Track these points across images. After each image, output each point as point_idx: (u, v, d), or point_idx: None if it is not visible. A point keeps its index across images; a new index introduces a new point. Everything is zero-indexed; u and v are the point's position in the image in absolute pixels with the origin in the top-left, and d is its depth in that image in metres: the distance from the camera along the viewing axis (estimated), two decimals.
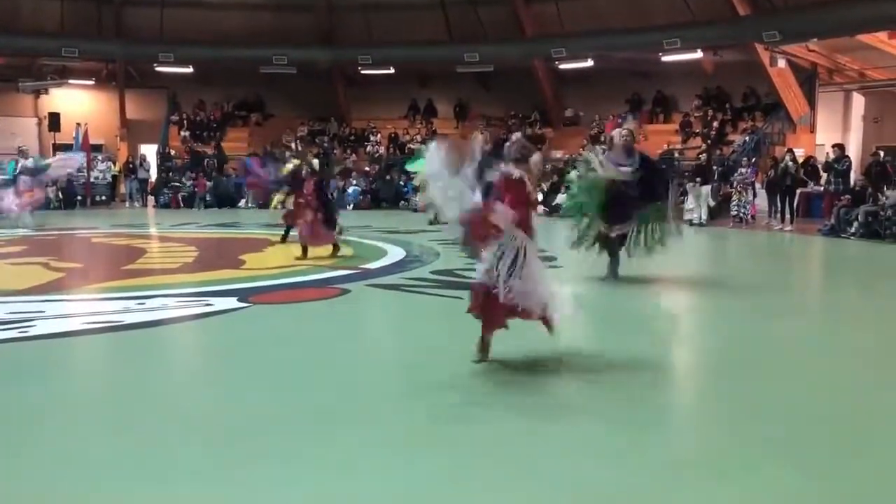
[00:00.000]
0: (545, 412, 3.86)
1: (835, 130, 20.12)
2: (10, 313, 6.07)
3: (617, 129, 8.24)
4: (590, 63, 22.09)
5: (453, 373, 4.55)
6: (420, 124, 25.29)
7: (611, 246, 7.78)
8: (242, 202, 21.46)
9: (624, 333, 5.75)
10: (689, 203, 16.70)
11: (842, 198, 14.31)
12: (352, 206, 20.98)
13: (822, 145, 18.61)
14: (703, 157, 17.20)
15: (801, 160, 16.50)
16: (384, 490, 2.94)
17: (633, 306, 6.85)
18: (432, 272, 8.56)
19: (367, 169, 23.01)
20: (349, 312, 6.69)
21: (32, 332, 5.52)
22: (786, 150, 16.72)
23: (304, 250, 9.56)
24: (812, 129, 19.83)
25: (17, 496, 2.86)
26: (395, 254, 10.08)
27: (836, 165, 15.37)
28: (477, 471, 3.10)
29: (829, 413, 3.92)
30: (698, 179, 16.18)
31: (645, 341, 5.63)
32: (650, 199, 7.57)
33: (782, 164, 15.44)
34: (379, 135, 24.93)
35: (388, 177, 22.19)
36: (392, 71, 23.84)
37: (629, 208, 7.53)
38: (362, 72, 24.22)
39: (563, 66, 22.84)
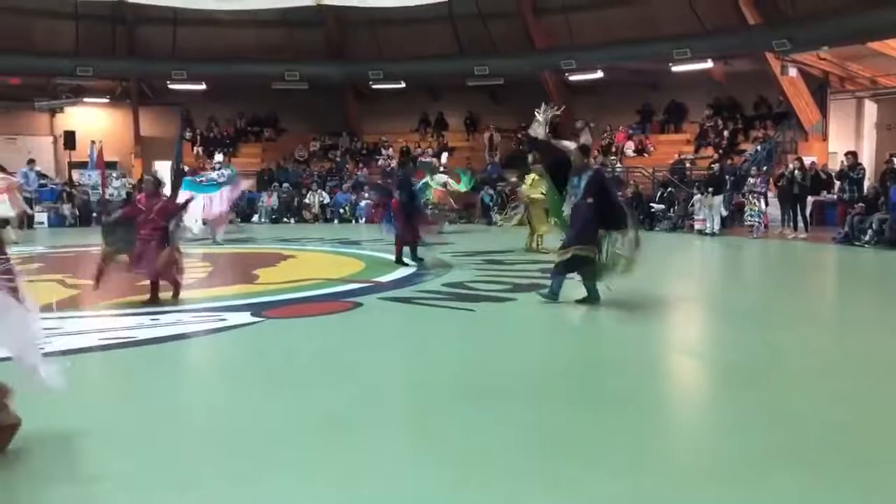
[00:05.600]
0: (554, 421, 3.87)
1: (847, 138, 20.03)
2: None
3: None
4: (599, 74, 22.12)
5: (466, 382, 4.58)
6: (431, 137, 25.38)
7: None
8: (255, 217, 21.68)
9: (632, 341, 5.75)
10: (699, 213, 16.68)
11: (855, 206, 14.24)
12: (364, 219, 21.09)
13: (835, 153, 18.53)
14: (716, 167, 17.15)
15: (811, 168, 16.43)
16: (398, 498, 2.96)
17: (643, 315, 6.84)
18: (444, 284, 8.59)
19: (378, 182, 23.08)
20: (362, 326, 6.72)
21: (49, 348, 5.57)
22: (794, 158, 16.68)
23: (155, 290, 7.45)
24: (824, 137, 19.75)
25: None
26: (407, 266, 10.11)
27: (850, 174, 15.31)
28: (484, 478, 3.12)
29: (839, 422, 3.91)
30: (710, 189, 16.14)
31: (654, 349, 5.64)
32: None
33: (787, 174, 15.43)
34: (391, 148, 25.04)
35: None
36: (403, 85, 23.96)
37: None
38: (373, 86, 24.34)
39: (573, 78, 22.88)
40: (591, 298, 7.20)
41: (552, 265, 7.47)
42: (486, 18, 22.85)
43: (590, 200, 7.03)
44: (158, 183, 7.98)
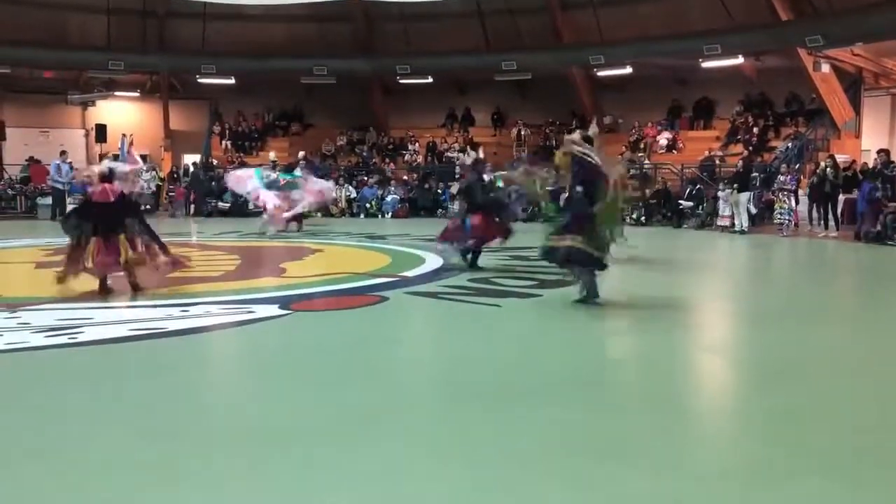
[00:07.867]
0: (583, 423, 3.86)
1: (881, 135, 19.72)
2: (60, 320, 6.23)
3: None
4: (628, 70, 21.95)
5: (492, 379, 4.58)
6: (458, 133, 25.36)
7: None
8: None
9: (660, 340, 5.71)
10: (724, 210, 16.48)
11: (888, 204, 14.01)
12: (390, 214, 21.16)
13: (868, 150, 18.25)
14: (740, 163, 16.97)
15: (844, 166, 16.18)
16: (426, 497, 2.97)
17: (670, 314, 6.79)
18: (470, 280, 8.58)
19: (405, 177, 23.15)
20: (388, 319, 6.75)
21: (81, 338, 5.68)
22: (827, 156, 16.43)
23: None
24: (857, 135, 19.45)
25: (62, 499, 2.95)
26: (433, 262, 10.11)
27: (884, 171, 15.05)
28: (514, 479, 3.11)
29: (872, 423, 3.86)
30: (735, 186, 15.96)
31: (682, 349, 5.60)
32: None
33: (819, 171, 15.23)
34: (417, 143, 25.08)
35: (426, 185, 22.30)
36: (430, 80, 23.96)
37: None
38: (400, 81, 24.36)
39: (601, 74, 22.73)
40: (591, 296, 6.90)
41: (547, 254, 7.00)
42: (514, 13, 22.80)
43: (579, 189, 6.70)
44: (110, 173, 7.79)
